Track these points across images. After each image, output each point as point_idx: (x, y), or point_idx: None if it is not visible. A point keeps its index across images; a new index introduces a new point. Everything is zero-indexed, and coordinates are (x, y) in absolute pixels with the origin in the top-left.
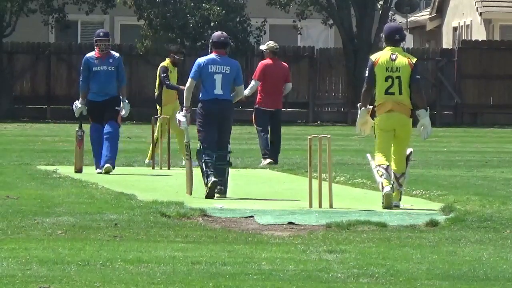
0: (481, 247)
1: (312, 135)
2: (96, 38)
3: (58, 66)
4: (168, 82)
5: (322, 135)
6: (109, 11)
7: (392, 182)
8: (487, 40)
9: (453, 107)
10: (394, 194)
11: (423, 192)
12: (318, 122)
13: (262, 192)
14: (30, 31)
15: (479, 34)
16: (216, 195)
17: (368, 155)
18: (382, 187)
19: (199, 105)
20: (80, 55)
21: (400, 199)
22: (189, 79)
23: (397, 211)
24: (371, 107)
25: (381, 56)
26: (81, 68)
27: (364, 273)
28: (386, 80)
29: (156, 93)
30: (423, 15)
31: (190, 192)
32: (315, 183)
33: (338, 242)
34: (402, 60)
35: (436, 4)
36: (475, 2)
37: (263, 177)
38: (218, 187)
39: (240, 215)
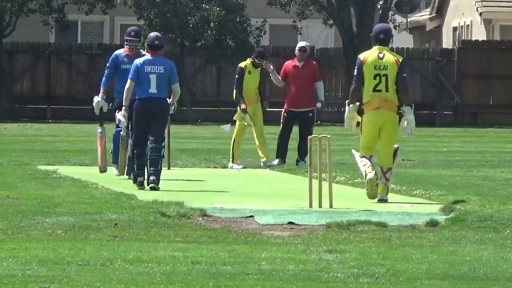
0: (481, 247)
1: (312, 135)
2: (126, 38)
3: (58, 66)
4: (237, 89)
5: (322, 135)
6: (109, 11)
7: (377, 175)
8: (487, 40)
9: (453, 107)
10: (380, 186)
11: (423, 192)
12: (318, 122)
13: (262, 192)
14: (30, 31)
15: (479, 34)
16: (151, 185)
17: (353, 150)
18: (366, 174)
19: (136, 102)
20: (80, 55)
21: (387, 193)
22: (129, 80)
23: (397, 211)
24: (358, 104)
25: (369, 55)
26: (108, 64)
27: (364, 273)
28: (374, 78)
29: (234, 93)
30: (423, 15)
31: (123, 172)
32: (315, 183)
33: (338, 242)
34: (389, 58)
35: (436, 4)
36: (475, 2)
37: (263, 177)
38: (151, 177)
39: (240, 215)
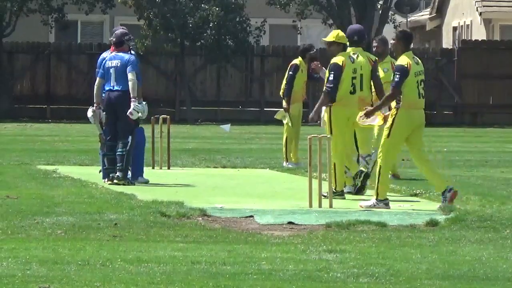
0: (481, 247)
1: (312, 135)
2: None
3: (58, 66)
4: (289, 85)
5: (322, 135)
6: (109, 11)
7: (357, 176)
8: (487, 40)
9: (453, 107)
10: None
11: (423, 192)
12: (318, 122)
13: (262, 192)
14: (30, 31)
15: (479, 34)
16: (115, 180)
17: None
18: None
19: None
20: (80, 55)
21: (370, 170)
22: (97, 78)
23: (397, 211)
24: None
25: (345, 58)
26: (97, 69)
27: (364, 273)
28: (350, 78)
29: (282, 89)
30: (423, 15)
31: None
32: (315, 183)
33: (338, 242)
34: (362, 59)
35: (436, 4)
36: (475, 2)
37: (263, 177)
38: (117, 173)
39: (240, 215)
